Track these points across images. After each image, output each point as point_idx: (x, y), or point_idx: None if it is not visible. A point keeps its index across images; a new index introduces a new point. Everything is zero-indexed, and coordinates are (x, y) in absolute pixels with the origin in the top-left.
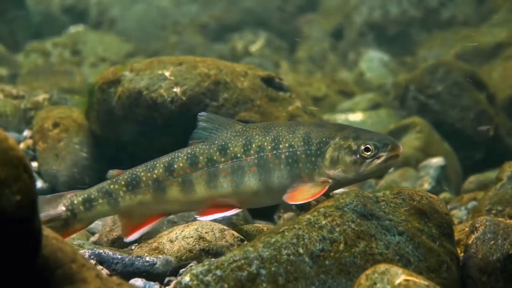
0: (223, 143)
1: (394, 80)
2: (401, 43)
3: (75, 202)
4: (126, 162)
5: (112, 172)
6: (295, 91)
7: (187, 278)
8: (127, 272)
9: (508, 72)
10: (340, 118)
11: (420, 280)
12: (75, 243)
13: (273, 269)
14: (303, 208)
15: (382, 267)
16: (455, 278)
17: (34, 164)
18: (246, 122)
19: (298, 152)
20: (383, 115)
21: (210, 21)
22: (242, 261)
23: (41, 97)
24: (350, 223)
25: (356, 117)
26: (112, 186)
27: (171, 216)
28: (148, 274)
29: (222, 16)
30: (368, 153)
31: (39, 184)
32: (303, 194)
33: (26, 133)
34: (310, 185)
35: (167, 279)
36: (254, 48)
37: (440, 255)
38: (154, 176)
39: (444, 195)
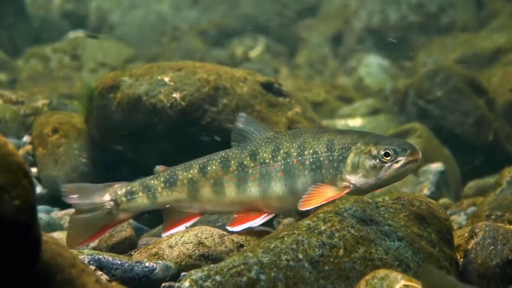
0: (254, 148)
1: (393, 85)
2: (401, 48)
3: (119, 193)
4: (125, 167)
5: (158, 168)
6: (294, 97)
7: (186, 284)
8: (127, 278)
9: (507, 77)
10: (340, 123)
11: (420, 286)
12: None
13: (272, 274)
14: (303, 214)
15: (381, 272)
16: None
17: (34, 170)
18: None
19: (321, 158)
20: (382, 121)
21: (209, 26)
22: (242, 266)
23: (40, 102)
24: (349, 228)
25: (355, 122)
26: (152, 182)
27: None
28: (148, 279)
29: (221, 22)
30: (388, 158)
31: (39, 189)
32: (318, 198)
33: (26, 138)
34: (329, 188)
35: (166, 284)
36: (253, 53)
37: (439, 261)
38: (190, 176)
39: (444, 200)
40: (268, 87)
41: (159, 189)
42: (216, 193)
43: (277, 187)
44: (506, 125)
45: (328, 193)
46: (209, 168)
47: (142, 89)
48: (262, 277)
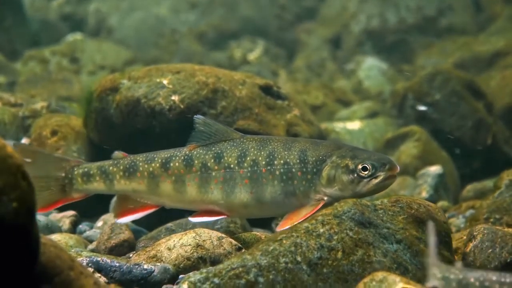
0: (219, 151)
1: (392, 88)
2: (399, 51)
3: (75, 172)
4: None
5: (117, 154)
6: (293, 100)
7: (185, 286)
8: (125, 280)
9: (506, 80)
10: (338, 126)
11: None
12: (73, 250)
13: (271, 277)
14: None
15: (380, 275)
16: None
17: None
18: (243, 130)
19: (294, 170)
20: (381, 124)
21: (208, 29)
22: (240, 269)
23: (39, 105)
24: (348, 231)
25: (354, 125)
26: (111, 168)
27: (169, 224)
28: (146, 282)
29: (220, 25)
30: (366, 173)
31: None
32: (293, 218)
33: (24, 140)
34: (303, 208)
35: (164, 287)
36: (252, 56)
37: None
38: (151, 169)
39: (442, 203)
40: (266, 90)
41: (117, 176)
42: (177, 190)
43: (242, 194)
44: (504, 128)
45: (303, 211)
46: (171, 164)
47: (141, 92)
48: (261, 279)
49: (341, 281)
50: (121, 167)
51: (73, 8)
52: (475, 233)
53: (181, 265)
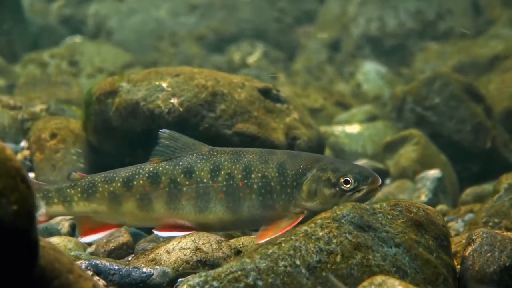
0: (189, 165)
1: (391, 92)
2: (399, 55)
3: (37, 196)
4: None
5: (74, 175)
6: (292, 103)
7: None
8: (124, 283)
9: (505, 84)
10: (337, 130)
11: None
12: (72, 253)
13: (270, 280)
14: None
15: (378, 278)
16: None
17: (31, 175)
18: (243, 133)
19: (272, 183)
20: (380, 127)
21: (207, 32)
22: (239, 272)
23: (38, 107)
24: (347, 234)
25: (353, 129)
26: (68, 190)
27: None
28: (145, 285)
29: (219, 28)
30: (348, 186)
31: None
32: (273, 230)
33: (23, 143)
34: (282, 221)
35: None
36: (251, 59)
37: (437, 267)
38: (111, 189)
39: (441, 207)
40: (266, 93)
41: (76, 198)
42: (143, 208)
43: (217, 209)
44: (503, 132)
45: (282, 224)
46: (135, 182)
47: (140, 95)
48: (260, 283)
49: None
50: (79, 189)
51: (72, 11)
52: (474, 237)
53: (180, 268)
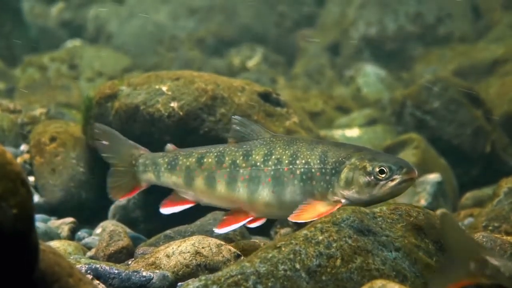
0: (249, 148)
1: (390, 95)
2: (398, 58)
3: (140, 160)
4: None
5: (169, 147)
6: (292, 107)
7: None
8: (124, 287)
9: (505, 88)
10: (337, 133)
11: None
12: (71, 257)
13: (269, 284)
14: (300, 224)
15: (378, 283)
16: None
17: (31, 179)
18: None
19: (313, 170)
20: (379, 131)
21: (207, 36)
22: (239, 276)
23: (38, 111)
24: (347, 238)
25: (352, 133)
26: (160, 160)
27: (168, 231)
28: None
29: (219, 31)
30: (383, 175)
31: (36, 198)
32: (309, 213)
33: (23, 147)
34: (320, 204)
35: None
36: (251, 63)
37: None
38: (188, 163)
39: (441, 211)
40: (265, 97)
41: (163, 169)
42: (208, 186)
43: (264, 192)
44: (503, 136)
45: (320, 208)
46: (205, 160)
47: (140, 99)
48: (259, 287)
49: None
50: (166, 160)
51: (72, 15)
52: None
53: (180, 272)
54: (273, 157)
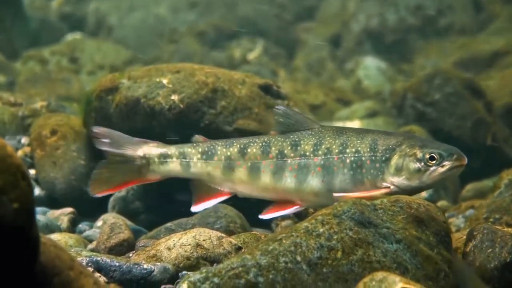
0: (297, 139)
1: (391, 88)
2: (399, 51)
3: (153, 152)
4: None
5: (197, 137)
6: (292, 99)
7: (184, 286)
8: (125, 280)
9: (505, 80)
10: (338, 126)
11: None
12: (72, 250)
13: (270, 276)
14: (301, 216)
15: (379, 275)
16: (452, 286)
17: (32, 172)
18: (243, 130)
19: (363, 158)
20: (380, 123)
21: (208, 29)
22: (240, 268)
23: (39, 104)
24: (347, 231)
25: (353, 125)
26: (189, 149)
27: (169, 224)
28: (146, 281)
29: (220, 24)
30: (433, 162)
31: (37, 191)
32: (356, 193)
33: (24, 140)
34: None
35: (163, 287)
36: (252, 56)
37: (437, 263)
38: (228, 153)
39: (442, 203)
40: (266, 89)
41: (195, 158)
42: (252, 176)
43: (314, 182)
44: (504, 128)
45: (368, 191)
46: (249, 150)
47: (141, 91)
48: (260, 279)
49: (341, 281)
50: (200, 149)
51: (72, 8)
52: (474, 233)
53: (181, 264)
54: (323, 146)
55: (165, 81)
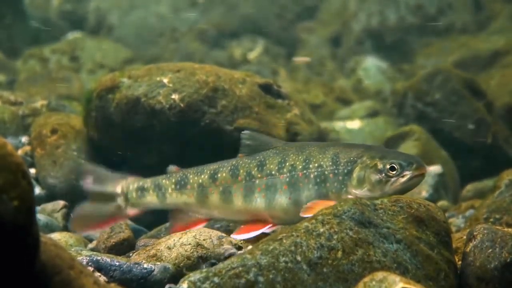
0: (262, 159)
1: (392, 87)
2: (399, 50)
3: (130, 187)
4: (124, 169)
5: (171, 168)
6: (293, 98)
7: (184, 286)
8: (125, 279)
9: (506, 79)
10: (338, 125)
11: None
12: (73, 249)
13: (271, 276)
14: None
15: (379, 275)
16: (452, 286)
17: (32, 171)
18: (244, 129)
19: (326, 172)
20: (381, 123)
21: (208, 28)
22: (240, 268)
23: (39, 103)
24: (348, 230)
25: (354, 124)
26: (163, 181)
27: (168, 224)
28: (146, 281)
29: (220, 23)
30: (394, 172)
31: (37, 190)
32: (320, 206)
33: (24, 139)
34: (330, 201)
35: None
36: (252, 55)
37: (438, 263)
38: (200, 180)
39: (442, 203)
40: (266, 88)
41: (170, 190)
42: (224, 200)
43: (282, 199)
44: (504, 127)
45: (330, 203)
46: (219, 175)
47: (141, 90)
48: (260, 279)
49: (341, 281)
50: (173, 180)
51: (73, 6)
52: (475, 233)
53: (181, 264)
54: (287, 164)
55: (165, 80)
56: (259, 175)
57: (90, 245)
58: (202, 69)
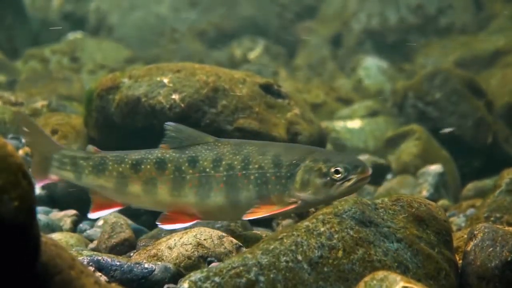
0: (194, 154)
1: (392, 87)
2: (400, 50)
3: (55, 156)
4: None
5: (89, 148)
6: (293, 98)
7: (185, 285)
8: (126, 279)
9: (506, 79)
10: (339, 125)
11: (419, 287)
12: (73, 249)
13: (271, 276)
14: (302, 215)
15: (380, 274)
16: (453, 285)
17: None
18: (244, 129)
19: (268, 174)
20: (381, 122)
21: (208, 28)
22: (241, 268)
23: (39, 103)
24: (348, 230)
25: (354, 124)
26: (81, 161)
27: None
28: (147, 281)
29: (220, 23)
30: (338, 176)
31: (38, 191)
32: (263, 210)
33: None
34: (275, 206)
35: (166, 286)
36: (252, 55)
37: (438, 262)
38: (120, 169)
39: (443, 202)
40: (267, 88)
41: (86, 171)
42: (147, 192)
43: (217, 198)
44: (504, 127)
45: (274, 207)
46: (142, 166)
47: (141, 91)
48: (261, 278)
49: (341, 280)
50: (91, 163)
51: (73, 7)
52: (475, 232)
53: (182, 264)
54: (224, 162)
55: (166, 80)
56: (190, 171)
57: (91, 245)
58: (202, 69)
